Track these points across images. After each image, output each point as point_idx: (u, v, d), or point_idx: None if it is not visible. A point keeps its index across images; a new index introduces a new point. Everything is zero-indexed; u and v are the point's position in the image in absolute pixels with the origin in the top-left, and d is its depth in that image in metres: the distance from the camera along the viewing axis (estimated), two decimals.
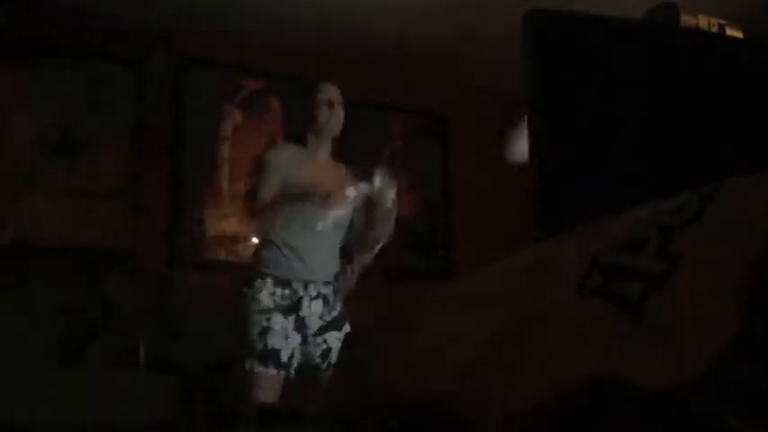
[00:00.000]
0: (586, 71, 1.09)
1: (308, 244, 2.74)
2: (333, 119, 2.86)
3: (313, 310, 2.72)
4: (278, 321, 2.65)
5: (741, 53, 1.21)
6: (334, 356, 2.71)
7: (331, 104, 2.85)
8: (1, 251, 3.72)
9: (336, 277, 2.84)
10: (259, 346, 2.61)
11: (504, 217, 4.36)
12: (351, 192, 2.73)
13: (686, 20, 1.24)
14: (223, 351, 3.69)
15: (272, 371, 2.60)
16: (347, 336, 1.03)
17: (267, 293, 2.67)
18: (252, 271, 2.77)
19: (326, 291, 2.78)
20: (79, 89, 4.02)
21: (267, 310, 2.65)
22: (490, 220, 4.69)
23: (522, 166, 2.89)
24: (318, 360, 2.71)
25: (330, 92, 2.87)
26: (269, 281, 2.69)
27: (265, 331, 2.62)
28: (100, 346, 3.69)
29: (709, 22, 1.25)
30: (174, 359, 3.65)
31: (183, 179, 4.21)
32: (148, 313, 3.79)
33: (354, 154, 3.55)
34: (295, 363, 2.67)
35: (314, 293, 2.74)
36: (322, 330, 2.73)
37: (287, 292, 2.70)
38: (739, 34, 1.27)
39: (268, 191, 2.75)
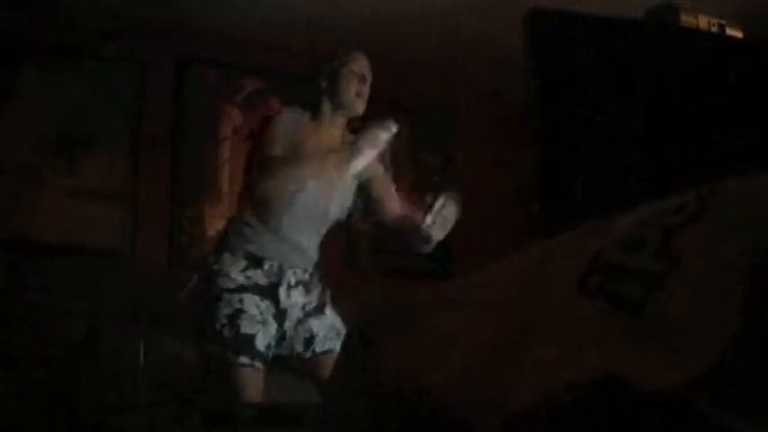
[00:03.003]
0: (586, 71, 1.09)
1: (293, 225, 2.44)
2: (361, 96, 2.53)
3: (294, 301, 2.44)
4: (253, 303, 2.32)
5: (741, 53, 1.21)
6: (317, 343, 2.49)
7: (363, 79, 2.54)
8: (1, 250, 3.72)
9: (316, 266, 2.57)
10: (229, 333, 2.27)
11: (504, 217, 4.37)
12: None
13: (686, 20, 1.24)
14: None
15: (245, 360, 2.27)
16: (347, 336, 1.03)
17: (238, 270, 2.36)
18: (220, 243, 2.45)
19: (305, 277, 2.50)
20: (79, 89, 4.02)
21: (240, 289, 2.33)
22: (490, 221, 4.69)
23: (522, 166, 2.89)
24: (300, 348, 2.47)
25: (362, 64, 2.56)
26: (240, 257, 2.38)
27: (237, 315, 2.29)
28: (99, 345, 3.69)
29: (709, 22, 1.25)
30: (173, 359, 3.64)
31: (182, 179, 4.21)
32: (148, 313, 3.78)
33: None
34: (271, 353, 2.37)
35: (293, 281, 2.45)
36: (302, 320, 2.48)
37: (259, 271, 2.38)
38: (739, 34, 1.27)
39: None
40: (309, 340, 2.49)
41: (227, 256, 2.39)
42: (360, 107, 2.54)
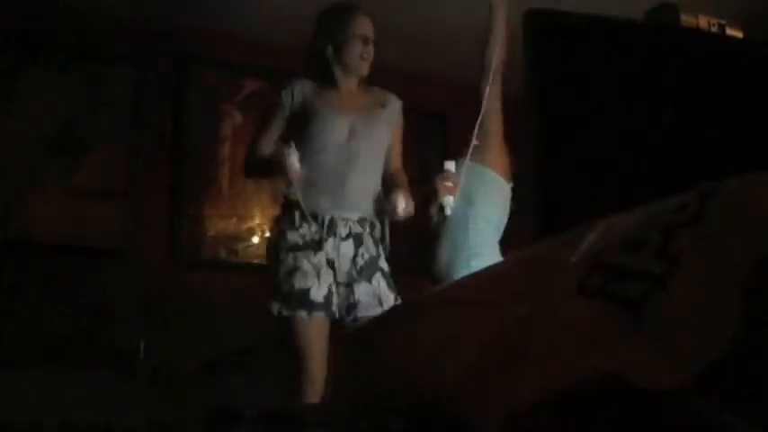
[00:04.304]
0: (586, 71, 1.09)
1: (338, 168, 2.51)
2: (365, 57, 2.61)
3: (343, 252, 2.49)
4: (305, 259, 2.43)
5: (741, 53, 1.21)
6: (359, 309, 2.48)
7: (366, 41, 2.61)
8: (1, 250, 3.72)
9: (377, 212, 2.60)
10: (285, 288, 2.41)
11: None
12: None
13: (686, 20, 1.24)
14: (223, 351, 3.70)
15: (303, 313, 2.38)
16: (348, 335, 1.03)
17: (293, 229, 2.47)
18: (281, 207, 2.59)
19: (359, 229, 2.54)
20: (79, 89, 4.02)
21: (294, 248, 2.45)
22: None
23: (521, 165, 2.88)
24: (343, 312, 2.49)
25: (365, 27, 2.62)
26: (296, 215, 2.49)
27: (292, 272, 2.41)
28: (99, 345, 3.69)
29: (709, 22, 1.25)
30: (174, 359, 3.65)
31: (183, 179, 4.21)
32: (148, 313, 3.79)
33: None
34: (335, 301, 2.45)
35: (344, 232, 2.51)
36: (351, 281, 2.50)
37: (313, 228, 2.48)
38: (739, 34, 1.27)
39: (265, 144, 2.58)
40: (352, 306, 2.51)
41: (284, 217, 2.52)
42: (365, 68, 2.63)
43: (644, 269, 0.55)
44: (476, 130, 2.73)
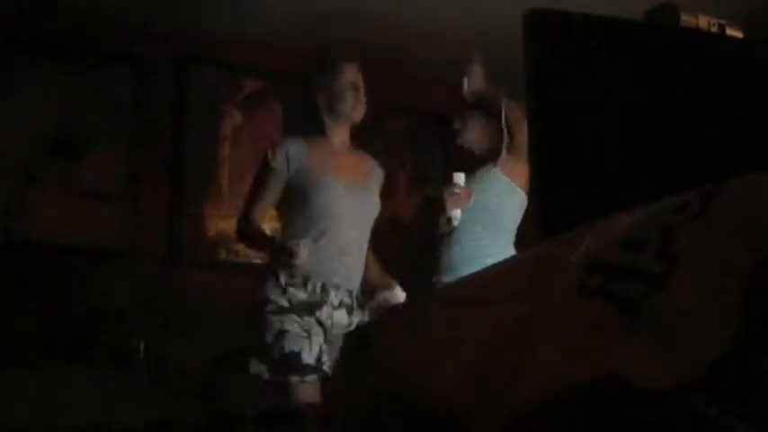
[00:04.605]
0: (586, 71, 1.09)
1: (333, 239, 2.50)
2: (358, 104, 2.64)
3: (336, 321, 2.49)
4: (293, 321, 2.41)
5: (741, 53, 1.21)
6: None
7: (356, 88, 2.64)
8: (1, 250, 3.72)
9: (364, 291, 2.61)
10: (276, 352, 2.38)
11: None
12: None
13: (686, 20, 1.25)
14: (223, 351, 3.69)
15: (295, 378, 2.36)
16: (348, 335, 1.03)
17: (279, 293, 2.44)
18: (267, 267, 2.55)
19: (348, 300, 2.54)
20: (79, 89, 4.02)
21: (280, 311, 2.42)
22: None
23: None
24: (327, 369, 2.45)
25: (353, 74, 2.66)
26: (282, 279, 2.45)
27: (281, 335, 2.39)
28: (99, 346, 3.69)
29: (709, 22, 1.25)
30: (174, 359, 3.64)
31: (183, 179, 4.21)
32: (148, 313, 3.79)
33: None
34: (326, 361, 2.42)
35: (336, 302, 2.50)
36: (335, 340, 2.48)
37: (301, 291, 2.45)
38: (739, 34, 1.27)
39: (260, 210, 2.59)
40: None
41: (270, 283, 2.47)
42: (357, 115, 2.65)
43: (644, 269, 0.55)
44: (505, 142, 2.74)
